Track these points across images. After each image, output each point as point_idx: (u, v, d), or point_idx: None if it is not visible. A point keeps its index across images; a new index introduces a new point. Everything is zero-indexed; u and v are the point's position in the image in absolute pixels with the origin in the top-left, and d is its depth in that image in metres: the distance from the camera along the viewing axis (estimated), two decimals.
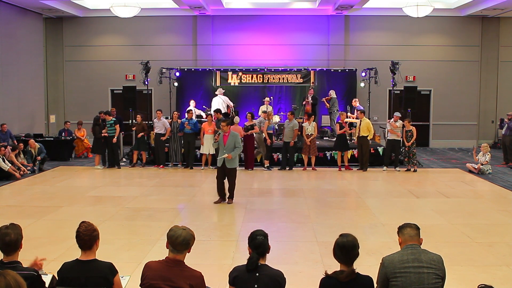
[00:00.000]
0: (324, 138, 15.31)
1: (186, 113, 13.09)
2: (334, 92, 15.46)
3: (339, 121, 12.95)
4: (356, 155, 13.10)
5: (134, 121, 13.77)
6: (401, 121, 12.67)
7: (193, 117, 13.16)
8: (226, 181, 8.80)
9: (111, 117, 13.09)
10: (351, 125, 13.30)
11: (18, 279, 2.41)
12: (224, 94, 15.32)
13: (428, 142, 17.76)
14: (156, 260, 3.41)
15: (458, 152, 16.38)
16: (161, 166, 12.98)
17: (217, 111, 13.19)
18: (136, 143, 13.31)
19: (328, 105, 15.19)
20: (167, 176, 11.92)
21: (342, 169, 12.67)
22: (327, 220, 7.72)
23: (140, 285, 3.35)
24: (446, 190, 10.13)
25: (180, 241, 3.30)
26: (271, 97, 15.77)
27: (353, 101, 15.15)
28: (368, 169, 12.58)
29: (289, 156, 12.78)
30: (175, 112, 13.34)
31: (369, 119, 14.63)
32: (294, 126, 12.63)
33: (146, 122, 13.64)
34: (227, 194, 8.88)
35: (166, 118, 13.95)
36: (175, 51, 17.51)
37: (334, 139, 13.46)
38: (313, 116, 12.96)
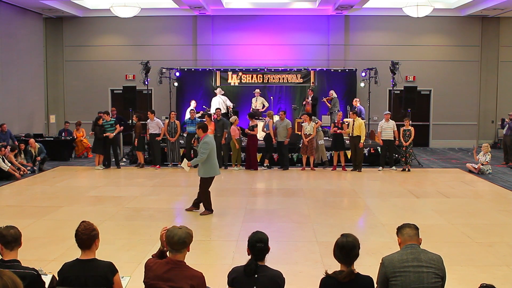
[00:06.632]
0: (324, 138, 15.28)
1: (188, 113, 13.04)
2: (334, 92, 15.46)
3: (335, 121, 12.94)
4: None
5: (133, 121, 13.76)
6: (392, 121, 12.65)
7: (196, 117, 13.18)
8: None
9: (110, 117, 13.10)
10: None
11: (14, 279, 2.36)
12: (224, 94, 15.31)
13: (428, 142, 17.74)
14: (157, 260, 3.41)
15: (458, 152, 16.37)
16: (157, 166, 12.96)
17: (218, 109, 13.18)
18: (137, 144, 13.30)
19: (329, 105, 15.19)
20: (167, 176, 11.91)
21: (337, 169, 12.61)
22: (327, 220, 7.72)
23: (143, 282, 3.36)
24: (446, 190, 10.13)
25: (176, 240, 3.30)
26: (271, 97, 15.79)
27: (353, 101, 15.15)
28: (365, 169, 12.56)
29: (284, 155, 12.78)
30: (172, 112, 13.33)
31: (369, 119, 14.65)
32: (287, 125, 12.67)
33: (144, 122, 13.60)
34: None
35: (166, 118, 13.93)
36: (175, 51, 17.50)
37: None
38: (313, 117, 12.96)
